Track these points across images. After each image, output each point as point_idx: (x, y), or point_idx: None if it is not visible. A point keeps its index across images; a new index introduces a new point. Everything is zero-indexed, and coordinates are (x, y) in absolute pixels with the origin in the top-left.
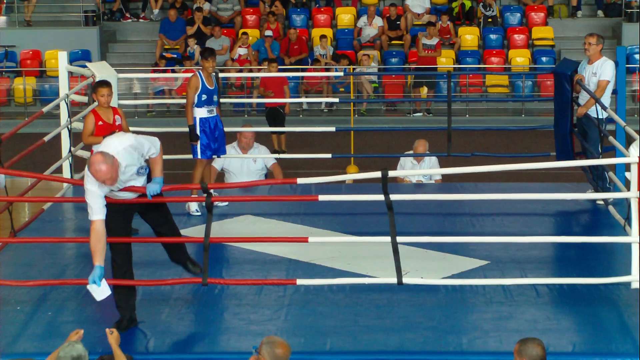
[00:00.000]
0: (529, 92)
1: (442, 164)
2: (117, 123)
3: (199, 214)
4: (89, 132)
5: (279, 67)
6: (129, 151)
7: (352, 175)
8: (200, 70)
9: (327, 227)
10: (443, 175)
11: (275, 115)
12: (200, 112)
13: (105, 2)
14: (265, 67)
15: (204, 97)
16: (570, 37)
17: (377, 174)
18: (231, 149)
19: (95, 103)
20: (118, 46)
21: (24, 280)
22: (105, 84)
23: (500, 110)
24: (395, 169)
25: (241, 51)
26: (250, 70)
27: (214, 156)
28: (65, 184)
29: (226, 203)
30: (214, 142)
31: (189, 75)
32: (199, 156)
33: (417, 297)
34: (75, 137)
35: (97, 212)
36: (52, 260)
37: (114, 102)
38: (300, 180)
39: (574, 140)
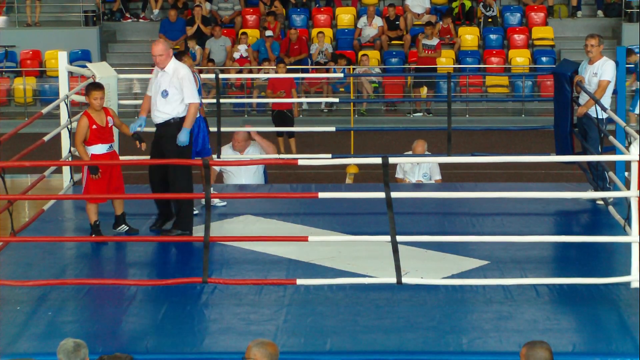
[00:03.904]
0: (529, 92)
1: (442, 165)
2: (109, 125)
3: (196, 212)
4: (82, 136)
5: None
6: (178, 74)
7: (353, 159)
8: None
9: (327, 227)
10: (443, 175)
11: (283, 118)
12: None
13: (105, 2)
14: (266, 67)
15: None
16: (570, 37)
17: (378, 160)
18: (228, 149)
19: (87, 105)
20: (118, 46)
21: (24, 280)
22: (98, 86)
23: (500, 110)
24: (395, 169)
25: (242, 50)
26: (250, 71)
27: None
28: (65, 185)
29: (224, 203)
30: (195, 143)
31: None
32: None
33: (417, 297)
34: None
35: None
36: (52, 260)
37: (114, 103)
38: (302, 162)
39: (574, 141)
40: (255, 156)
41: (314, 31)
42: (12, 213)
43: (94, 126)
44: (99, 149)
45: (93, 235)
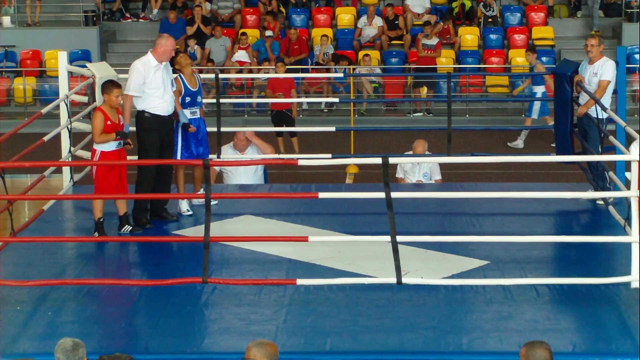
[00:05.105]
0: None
1: (442, 165)
2: (121, 123)
3: (190, 213)
4: (100, 130)
5: None
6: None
7: (353, 159)
8: (180, 74)
9: (327, 227)
10: (443, 175)
11: (282, 118)
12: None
13: (105, 2)
14: (266, 67)
15: (188, 99)
16: (570, 37)
17: (378, 160)
18: (228, 149)
19: (98, 102)
20: (118, 46)
21: (24, 280)
22: (118, 85)
23: (500, 110)
24: (395, 169)
25: (241, 56)
26: (250, 71)
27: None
28: (65, 185)
29: (216, 202)
30: (195, 144)
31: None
32: (178, 157)
33: (417, 297)
34: (75, 137)
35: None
36: (52, 260)
37: None
38: (302, 162)
39: (574, 140)
40: (255, 156)
41: (314, 31)
42: (12, 213)
43: (108, 122)
44: (109, 146)
45: (96, 233)
